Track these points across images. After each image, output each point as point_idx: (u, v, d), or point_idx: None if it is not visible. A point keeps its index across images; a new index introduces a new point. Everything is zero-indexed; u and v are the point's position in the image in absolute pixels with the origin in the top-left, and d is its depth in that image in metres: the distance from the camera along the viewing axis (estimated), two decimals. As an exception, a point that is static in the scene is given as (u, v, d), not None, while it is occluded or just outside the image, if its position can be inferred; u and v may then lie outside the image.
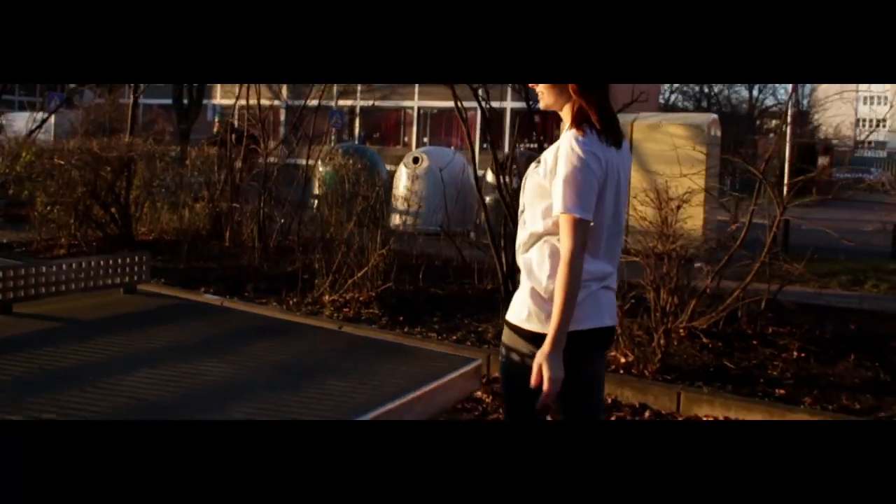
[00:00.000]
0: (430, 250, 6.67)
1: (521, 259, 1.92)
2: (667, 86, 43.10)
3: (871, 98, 58.84)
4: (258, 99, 7.14)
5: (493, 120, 6.54)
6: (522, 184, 1.96)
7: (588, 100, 1.83)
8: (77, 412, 1.51)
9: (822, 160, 25.66)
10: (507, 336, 1.90)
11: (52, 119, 16.40)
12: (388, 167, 12.86)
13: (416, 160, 11.36)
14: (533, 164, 1.93)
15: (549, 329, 1.74)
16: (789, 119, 24.23)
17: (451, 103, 7.59)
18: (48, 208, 6.36)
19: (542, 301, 1.82)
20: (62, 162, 6.16)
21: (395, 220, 8.56)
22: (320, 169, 9.73)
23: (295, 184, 7.34)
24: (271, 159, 7.56)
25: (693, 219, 9.89)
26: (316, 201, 8.82)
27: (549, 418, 1.91)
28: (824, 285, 5.56)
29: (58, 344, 1.95)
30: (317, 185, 9.20)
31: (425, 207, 9.11)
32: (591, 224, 1.79)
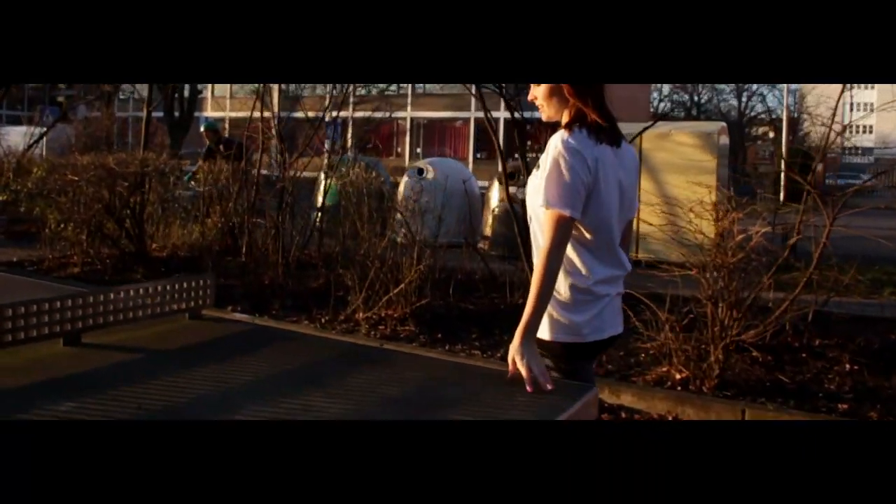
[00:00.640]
0: (450, 263, 6.54)
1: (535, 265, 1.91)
2: (656, 94, 43.38)
3: (858, 105, 59.49)
4: (278, 111, 6.98)
5: (521, 127, 6.42)
6: (528, 189, 1.98)
7: (584, 101, 1.85)
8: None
9: (818, 166, 25.73)
10: None
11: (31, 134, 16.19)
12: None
13: (421, 171, 11.25)
14: (534, 170, 1.96)
15: (522, 321, 1.76)
16: (784, 125, 24.31)
17: (443, 114, 7.49)
18: (61, 226, 6.17)
19: (567, 309, 1.85)
20: (76, 178, 5.98)
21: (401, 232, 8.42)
22: (324, 181, 9.59)
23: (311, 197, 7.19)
24: (273, 173, 7.44)
25: (705, 227, 9.84)
26: (319, 214, 8.67)
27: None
28: (868, 294, 5.47)
29: (146, 379, 1.79)
30: (320, 197, 9.07)
31: (432, 219, 9.00)
32: (576, 221, 1.81)
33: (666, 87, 42.94)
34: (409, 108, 35.45)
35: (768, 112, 46.56)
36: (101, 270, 6.22)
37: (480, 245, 9.10)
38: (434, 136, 37.21)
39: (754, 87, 41.05)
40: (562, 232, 1.78)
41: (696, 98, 44.89)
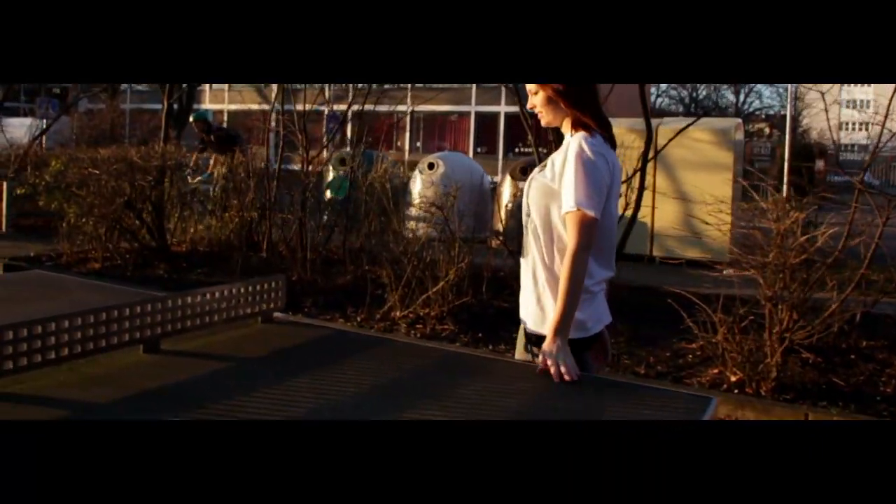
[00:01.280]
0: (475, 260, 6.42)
1: (526, 264, 1.98)
2: (653, 89, 43.30)
3: (855, 102, 59.61)
4: (303, 104, 6.83)
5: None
6: (526, 187, 2.00)
7: (581, 109, 1.90)
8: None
9: (819, 163, 25.82)
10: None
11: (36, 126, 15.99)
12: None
13: (431, 166, 11.12)
14: (538, 168, 1.98)
15: (552, 322, 1.80)
16: (788, 121, 24.35)
17: (442, 108, 7.37)
18: (82, 220, 6.01)
19: (550, 303, 1.88)
20: (96, 171, 5.82)
21: (412, 226, 8.31)
22: (330, 175, 9.43)
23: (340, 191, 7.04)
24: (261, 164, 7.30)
25: (722, 225, 9.72)
26: (337, 209, 8.53)
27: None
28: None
29: (244, 389, 1.67)
30: (328, 192, 8.92)
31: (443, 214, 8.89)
32: (597, 223, 1.84)
33: (663, 83, 42.85)
34: (409, 101, 35.07)
35: (764, 108, 46.54)
36: (122, 266, 6.06)
37: (493, 241, 9.00)
38: (434, 130, 37.04)
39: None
40: (590, 233, 1.82)
41: (693, 94, 44.83)
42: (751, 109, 46.31)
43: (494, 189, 11.11)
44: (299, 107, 6.70)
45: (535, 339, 1.93)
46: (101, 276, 5.76)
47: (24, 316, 2.21)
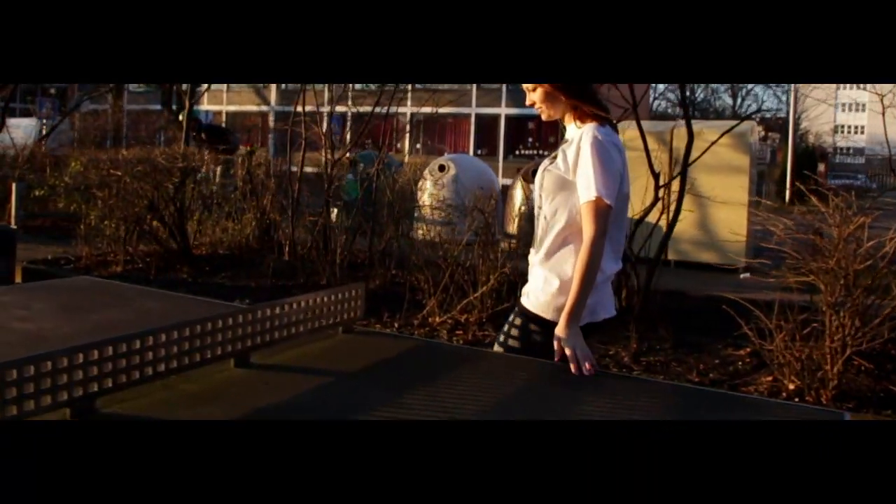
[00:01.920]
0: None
1: (538, 255, 2.00)
2: (651, 91, 43.26)
3: (850, 105, 59.86)
4: (333, 103, 6.70)
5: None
6: (538, 179, 2.01)
7: (582, 99, 1.92)
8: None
9: (821, 166, 25.90)
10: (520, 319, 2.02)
11: (41, 127, 15.82)
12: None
13: (441, 168, 11.02)
14: (548, 160, 2.00)
15: (567, 307, 1.84)
16: (791, 124, 24.29)
17: (443, 109, 7.29)
18: (104, 222, 5.86)
19: (560, 292, 1.91)
20: (118, 172, 5.68)
21: (422, 229, 8.21)
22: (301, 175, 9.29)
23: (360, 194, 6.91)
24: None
25: (737, 227, 9.67)
26: (336, 210, 8.42)
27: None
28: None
29: (356, 407, 1.55)
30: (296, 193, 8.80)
31: (456, 216, 8.79)
32: (612, 210, 1.86)
33: (661, 85, 42.86)
34: (409, 102, 34.92)
35: (761, 111, 46.67)
36: (144, 269, 5.92)
37: (505, 243, 8.90)
38: (434, 132, 36.90)
39: (749, 85, 41.13)
40: (605, 221, 1.85)
41: (692, 96, 44.88)
42: (748, 112, 46.40)
43: (507, 192, 11.02)
44: (323, 108, 6.57)
45: (537, 320, 1.98)
46: (124, 279, 5.60)
47: (96, 327, 2.09)
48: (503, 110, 30.90)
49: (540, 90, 1.97)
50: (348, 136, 10.05)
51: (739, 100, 45.92)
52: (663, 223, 5.44)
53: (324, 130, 6.48)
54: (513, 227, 10.20)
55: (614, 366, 4.13)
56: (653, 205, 5.30)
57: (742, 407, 1.82)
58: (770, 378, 3.92)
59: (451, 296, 4.64)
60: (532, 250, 2.06)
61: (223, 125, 9.09)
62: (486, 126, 32.48)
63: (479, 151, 35.25)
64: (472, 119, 35.61)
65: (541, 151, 29.73)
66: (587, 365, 1.81)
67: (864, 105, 60.43)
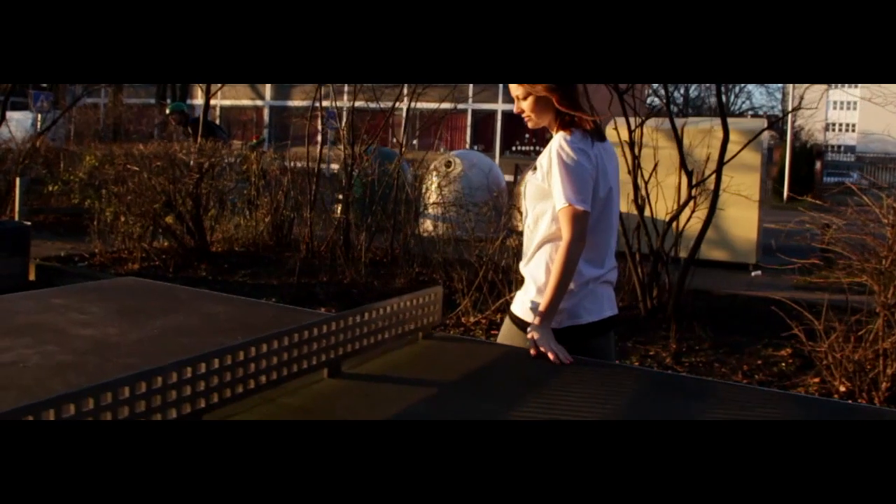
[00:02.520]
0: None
1: (526, 267, 2.05)
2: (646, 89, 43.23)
3: (841, 103, 60.16)
4: (353, 99, 6.56)
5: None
6: (523, 190, 2.08)
7: (573, 106, 1.96)
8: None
9: (817, 164, 25.96)
10: (506, 326, 2.10)
11: (37, 120, 15.55)
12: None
13: (448, 164, 10.92)
14: (531, 171, 2.05)
15: (540, 307, 1.90)
16: (789, 124, 24.27)
17: (440, 104, 7.22)
18: (121, 218, 5.70)
19: (535, 297, 1.96)
20: (136, 168, 5.52)
21: (428, 226, 8.10)
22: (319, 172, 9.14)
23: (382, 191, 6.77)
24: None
25: (748, 225, 9.63)
26: (339, 207, 8.31)
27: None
28: None
29: (478, 413, 1.45)
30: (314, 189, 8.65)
31: (462, 212, 8.68)
32: (588, 215, 1.90)
33: (658, 84, 42.76)
34: (405, 98, 34.58)
35: (754, 109, 46.83)
36: (162, 267, 5.77)
37: (512, 240, 8.82)
38: (430, 127, 36.59)
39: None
40: (580, 226, 1.88)
41: (686, 94, 44.92)
42: (741, 110, 46.53)
43: (513, 188, 10.93)
44: (341, 103, 6.44)
45: (512, 317, 2.07)
46: (143, 276, 5.47)
47: (164, 333, 1.98)
48: (500, 106, 30.83)
49: (531, 99, 2.01)
50: (344, 132, 9.90)
51: (732, 97, 46.01)
52: (694, 223, 5.36)
53: (343, 125, 6.34)
54: (519, 224, 10.12)
55: (657, 367, 4.05)
56: (685, 204, 5.23)
57: (818, 408, 1.73)
58: (818, 379, 3.85)
59: (485, 295, 4.54)
60: (523, 259, 2.11)
61: (211, 119, 8.96)
62: (483, 122, 32.39)
63: (475, 147, 35.20)
64: (469, 115, 35.54)
65: (537, 148, 29.67)
66: (568, 360, 1.85)
67: (854, 103, 60.81)
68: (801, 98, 6.41)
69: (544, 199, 1.96)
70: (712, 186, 5.53)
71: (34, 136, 11.92)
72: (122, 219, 5.72)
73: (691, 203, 5.29)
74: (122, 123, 13.33)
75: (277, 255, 6.54)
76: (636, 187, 5.33)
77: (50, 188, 7.17)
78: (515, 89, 2.03)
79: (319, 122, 6.81)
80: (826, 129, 59.58)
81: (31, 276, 5.80)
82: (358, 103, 7.40)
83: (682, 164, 5.31)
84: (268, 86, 31.49)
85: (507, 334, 2.10)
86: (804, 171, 24.38)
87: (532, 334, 1.89)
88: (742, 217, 9.04)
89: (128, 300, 2.38)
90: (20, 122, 14.43)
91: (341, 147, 6.43)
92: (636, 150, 5.39)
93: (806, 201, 5.26)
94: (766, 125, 10.22)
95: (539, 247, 2.01)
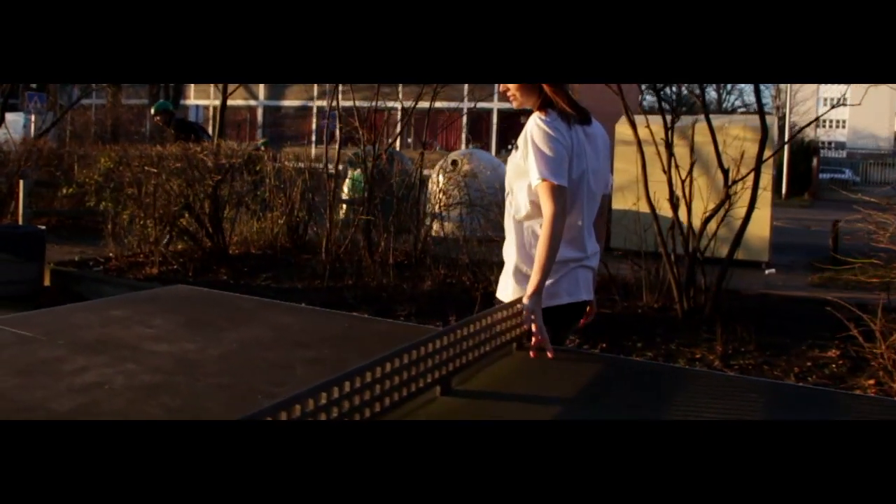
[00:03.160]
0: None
1: (507, 241, 2.07)
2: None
3: (832, 100, 60.40)
4: (375, 99, 6.41)
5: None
6: (507, 170, 2.10)
7: (555, 91, 1.99)
8: None
9: (814, 161, 25.99)
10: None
11: (30, 120, 15.30)
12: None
13: (454, 163, 10.81)
14: (513, 151, 2.07)
15: (531, 281, 1.88)
16: (788, 119, 24.30)
17: (435, 103, 7.10)
18: (141, 222, 5.53)
19: (527, 278, 1.94)
20: (155, 170, 5.35)
21: (435, 226, 7.97)
22: (348, 174, 8.98)
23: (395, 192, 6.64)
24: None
25: (761, 223, 9.55)
26: (344, 207, 8.17)
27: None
28: None
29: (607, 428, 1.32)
30: (345, 190, 8.51)
31: (468, 212, 8.57)
32: (566, 190, 1.91)
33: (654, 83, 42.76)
34: (400, 97, 34.27)
35: (746, 106, 46.90)
36: (181, 271, 5.60)
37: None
38: (425, 126, 36.30)
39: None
40: (560, 200, 1.89)
41: (679, 91, 44.94)
42: (732, 106, 46.60)
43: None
44: (362, 102, 6.30)
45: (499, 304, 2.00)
46: (163, 281, 5.31)
47: (244, 347, 1.84)
48: (495, 105, 30.74)
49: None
50: (337, 132, 9.75)
51: (724, 94, 46.11)
52: (733, 221, 5.25)
53: (366, 125, 6.20)
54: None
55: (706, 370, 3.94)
56: (722, 203, 5.12)
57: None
58: (872, 381, 3.76)
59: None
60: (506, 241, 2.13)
61: (194, 120, 8.49)
62: (478, 120, 32.29)
63: (470, 146, 35.09)
64: (464, 113, 35.43)
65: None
66: (550, 353, 1.84)
67: (845, 99, 61.05)
68: (785, 94, 6.33)
69: (521, 177, 2.00)
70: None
71: (36, 137, 11.71)
72: (139, 222, 5.55)
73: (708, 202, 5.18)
74: (122, 124, 13.09)
75: (295, 257, 6.39)
76: (671, 186, 5.23)
77: (65, 191, 6.97)
78: None
79: (338, 121, 6.65)
80: (817, 125, 59.94)
81: (46, 282, 5.63)
82: (370, 103, 7.23)
83: (719, 162, 5.22)
84: (261, 85, 31.23)
85: None
86: (802, 168, 24.50)
87: (525, 306, 1.87)
88: (754, 215, 8.98)
89: (189, 311, 2.24)
90: (13, 124, 14.18)
91: (337, 147, 6.26)
92: (670, 149, 5.28)
93: (803, 199, 5.16)
94: (774, 122, 10.16)
95: (519, 225, 2.03)
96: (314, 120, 30.43)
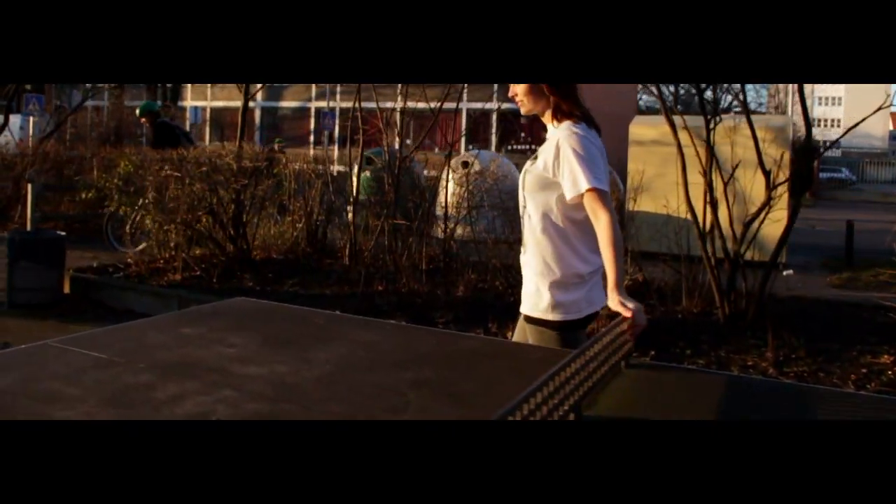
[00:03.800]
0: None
1: (526, 253, 2.09)
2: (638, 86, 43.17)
3: (827, 99, 60.63)
4: (403, 101, 6.25)
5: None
6: (521, 180, 2.09)
7: (564, 97, 1.99)
8: None
9: (814, 161, 25.89)
10: (533, 333, 2.08)
11: (28, 122, 15.09)
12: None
13: (465, 164, 10.69)
14: (530, 161, 2.08)
15: (612, 276, 1.90)
16: (793, 118, 24.44)
17: (434, 104, 6.99)
18: (164, 227, 5.37)
19: (565, 290, 2.02)
20: (178, 174, 5.20)
21: (459, 229, 7.81)
22: (360, 174, 8.84)
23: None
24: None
25: (780, 223, 9.46)
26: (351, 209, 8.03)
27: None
28: None
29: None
30: (355, 191, 8.38)
31: (478, 214, 8.45)
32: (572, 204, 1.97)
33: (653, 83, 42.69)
34: (398, 98, 33.94)
35: (745, 104, 46.83)
36: (205, 277, 5.45)
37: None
38: (424, 127, 36.00)
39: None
40: (610, 204, 1.93)
41: (672, 90, 44.95)
42: (727, 105, 46.46)
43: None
44: (390, 103, 6.17)
45: (545, 324, 2.05)
46: (187, 288, 5.16)
47: (339, 369, 1.70)
48: (495, 105, 30.65)
49: (525, 84, 2.04)
50: (336, 132, 9.61)
51: (720, 93, 46.12)
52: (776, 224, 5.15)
53: (391, 126, 6.06)
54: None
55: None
56: (764, 206, 5.02)
57: None
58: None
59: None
60: (522, 249, 2.13)
61: (170, 121, 8.23)
62: (478, 121, 32.19)
63: (469, 146, 34.97)
64: (464, 114, 35.29)
65: (532, 146, 29.52)
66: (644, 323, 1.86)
67: (840, 99, 61.34)
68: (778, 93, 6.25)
69: (544, 190, 1.99)
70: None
71: (40, 140, 11.52)
72: (161, 227, 5.39)
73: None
74: (124, 126, 12.90)
75: (317, 262, 6.24)
76: (711, 188, 5.12)
77: (84, 195, 6.79)
78: None
79: (360, 122, 6.51)
80: (812, 124, 60.03)
81: (66, 289, 5.47)
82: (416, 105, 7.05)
83: (760, 164, 5.11)
84: (259, 86, 31.06)
85: (534, 339, 2.10)
86: (804, 168, 24.28)
87: (622, 301, 1.86)
88: (771, 215, 8.90)
89: (262, 327, 2.10)
90: (10, 126, 13.96)
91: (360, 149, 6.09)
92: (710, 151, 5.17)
93: (805, 198, 5.08)
94: (790, 122, 10.08)
95: (548, 238, 2.02)
96: (312, 121, 30.26)
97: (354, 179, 8.77)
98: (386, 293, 5.03)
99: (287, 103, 31.64)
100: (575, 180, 1.91)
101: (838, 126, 61.02)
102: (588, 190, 1.90)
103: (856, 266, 9.47)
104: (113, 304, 5.34)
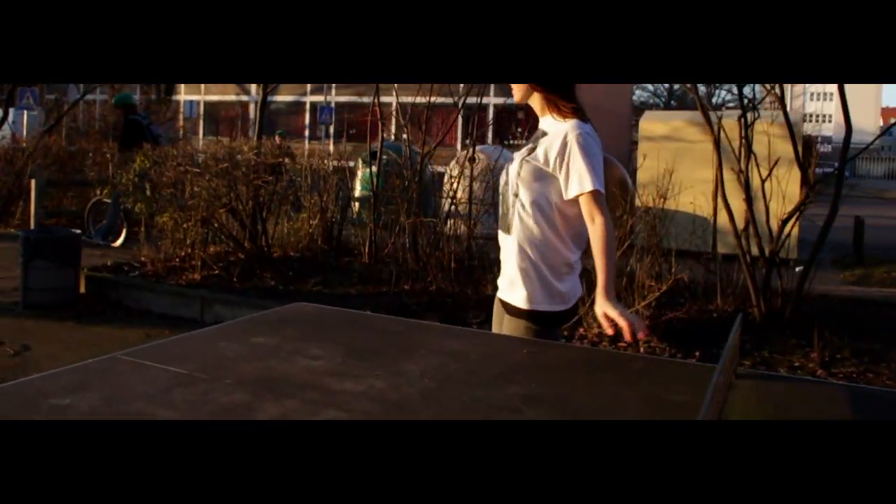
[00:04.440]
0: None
1: (510, 239, 2.09)
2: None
3: (818, 94, 60.86)
4: (429, 95, 6.11)
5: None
6: (515, 168, 2.09)
7: (560, 98, 2.02)
8: None
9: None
10: (509, 324, 2.11)
11: (21, 116, 14.84)
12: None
13: (472, 160, 10.56)
14: (525, 150, 2.08)
15: (601, 281, 1.93)
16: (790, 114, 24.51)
17: (431, 99, 6.88)
18: (182, 224, 5.21)
19: (549, 282, 2.04)
20: (197, 170, 5.05)
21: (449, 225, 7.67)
22: (359, 171, 8.69)
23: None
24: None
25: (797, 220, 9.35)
26: (357, 205, 7.91)
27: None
28: None
29: None
30: (357, 187, 8.24)
31: (483, 210, 8.33)
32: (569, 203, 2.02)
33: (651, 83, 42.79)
34: (395, 93, 33.58)
35: (735, 100, 47.00)
36: (224, 276, 5.31)
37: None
38: (420, 122, 35.73)
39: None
40: (605, 205, 1.98)
41: (668, 86, 45.02)
42: (720, 101, 46.64)
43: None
44: (412, 98, 6.04)
45: (513, 310, 2.10)
46: (207, 288, 5.02)
47: (445, 384, 1.59)
48: (491, 100, 30.52)
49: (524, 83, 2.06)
50: (332, 128, 9.51)
51: (713, 89, 46.21)
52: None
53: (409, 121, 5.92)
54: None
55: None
56: (801, 203, 4.93)
57: None
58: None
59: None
60: (500, 232, 2.15)
61: (143, 118, 7.70)
62: (474, 116, 32.07)
63: (466, 142, 34.87)
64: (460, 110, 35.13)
65: (527, 136, 29.39)
66: (642, 333, 1.88)
67: (831, 94, 61.58)
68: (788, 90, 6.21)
69: (540, 181, 2.02)
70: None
71: (42, 134, 11.29)
72: (179, 224, 5.23)
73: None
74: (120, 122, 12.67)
75: (335, 259, 6.11)
76: (748, 185, 5.03)
77: (98, 192, 6.61)
78: None
79: (379, 117, 6.37)
80: (804, 119, 60.41)
81: (82, 289, 5.31)
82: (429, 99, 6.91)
83: (798, 160, 5.02)
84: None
85: (509, 327, 2.12)
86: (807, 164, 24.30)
87: (608, 308, 1.89)
88: (781, 211, 8.86)
89: (337, 335, 1.98)
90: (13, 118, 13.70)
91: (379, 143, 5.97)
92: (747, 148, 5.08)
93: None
94: (800, 118, 10.02)
95: (541, 230, 2.04)
96: (307, 115, 29.99)
97: (361, 174, 8.64)
98: (414, 292, 4.90)
99: (281, 97, 31.40)
100: (581, 180, 1.96)
101: (829, 121, 61.33)
102: (590, 191, 1.95)
103: (866, 263, 9.43)
104: (130, 304, 5.19)
